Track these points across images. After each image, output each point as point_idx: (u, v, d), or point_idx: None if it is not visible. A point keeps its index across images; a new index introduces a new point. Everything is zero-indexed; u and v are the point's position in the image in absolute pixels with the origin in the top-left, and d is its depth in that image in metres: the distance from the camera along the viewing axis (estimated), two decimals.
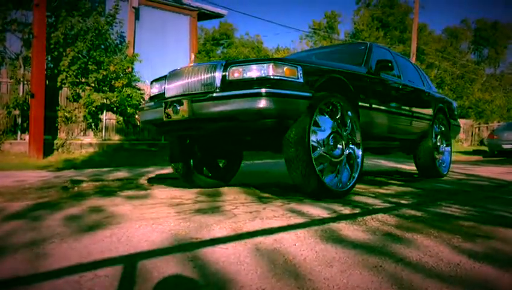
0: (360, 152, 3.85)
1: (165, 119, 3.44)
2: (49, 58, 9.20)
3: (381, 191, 4.13)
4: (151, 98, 3.91)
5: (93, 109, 9.27)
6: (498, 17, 74.85)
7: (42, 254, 1.86)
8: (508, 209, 3.13)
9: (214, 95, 3.14)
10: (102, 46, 9.80)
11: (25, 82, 8.81)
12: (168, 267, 1.69)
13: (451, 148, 6.20)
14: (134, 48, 11.80)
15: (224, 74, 3.20)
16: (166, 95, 3.56)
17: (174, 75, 3.58)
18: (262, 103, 2.94)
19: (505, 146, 13.36)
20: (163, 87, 3.66)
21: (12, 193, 3.76)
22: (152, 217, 2.65)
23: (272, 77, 3.06)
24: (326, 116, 3.59)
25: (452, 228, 2.44)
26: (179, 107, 3.28)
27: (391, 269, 1.71)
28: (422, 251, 1.95)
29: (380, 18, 36.15)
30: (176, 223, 2.46)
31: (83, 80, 9.39)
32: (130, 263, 1.75)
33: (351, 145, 3.79)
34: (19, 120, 8.84)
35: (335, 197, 3.41)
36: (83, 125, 9.63)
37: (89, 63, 9.23)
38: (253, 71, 3.11)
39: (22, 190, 3.93)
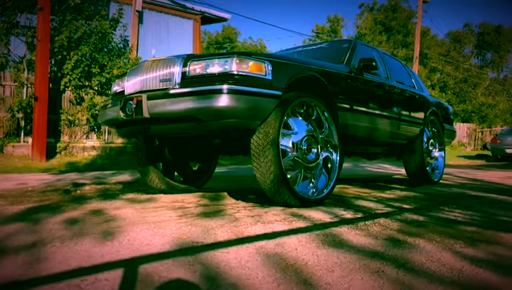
0: (337, 156, 3.59)
1: (120, 118, 3.20)
2: (53, 62, 9.24)
3: (383, 195, 4.12)
4: (113, 97, 3.66)
5: (96, 112, 9.31)
6: (501, 21, 74.78)
7: (43, 257, 1.86)
8: (511, 214, 3.11)
9: (171, 92, 2.86)
10: (106, 50, 9.83)
11: (29, 85, 8.85)
12: (169, 271, 1.69)
13: (444, 154, 5.93)
14: (137, 52, 11.84)
15: (184, 69, 2.95)
16: (126, 93, 3.31)
17: (133, 70, 3.32)
18: (223, 101, 2.67)
19: (508, 150, 13.34)
20: (124, 84, 3.40)
21: (14, 195, 3.76)
22: (154, 221, 2.64)
23: (235, 72, 2.80)
24: (300, 117, 3.36)
25: (454, 233, 2.43)
26: (134, 105, 3.04)
27: (393, 274, 1.70)
28: (424, 256, 1.94)
29: (383, 22, 36.18)
30: (178, 227, 2.46)
31: (86, 83, 9.43)
32: (131, 267, 1.74)
33: (329, 149, 3.56)
34: (22, 123, 8.88)
35: (309, 206, 3.19)
36: (85, 128, 9.66)
37: (92, 66, 9.27)
38: (215, 66, 2.86)
39: (24, 192, 3.94)
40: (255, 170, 3.04)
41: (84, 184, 4.48)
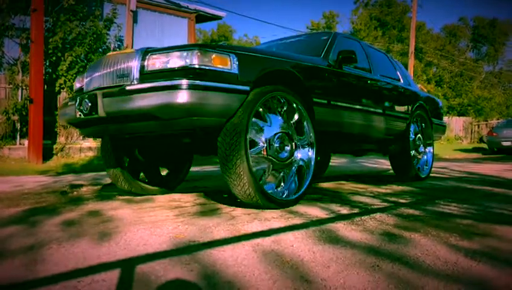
0: (313, 154, 3.37)
1: (78, 118, 3.00)
2: (48, 63, 9.20)
3: (379, 190, 4.14)
4: (73, 94, 3.45)
5: None
6: (496, 14, 74.99)
7: (40, 259, 1.86)
8: (506, 206, 3.13)
9: (127, 88, 2.66)
10: (101, 50, 9.79)
11: (24, 87, 8.82)
12: (166, 271, 1.70)
13: (433, 149, 5.76)
14: None
15: (143, 63, 2.75)
16: (84, 90, 3.10)
17: (93, 66, 3.12)
18: (182, 98, 2.49)
19: (504, 143, 13.39)
20: (84, 81, 3.18)
21: (10, 198, 3.76)
22: (151, 221, 2.65)
23: (196, 66, 2.61)
24: (271, 113, 3.16)
25: (450, 226, 2.44)
26: (89, 104, 2.85)
27: (388, 269, 1.71)
28: (419, 250, 1.96)
29: (378, 17, 36.20)
30: (175, 226, 2.46)
31: None
32: (128, 267, 1.75)
33: (305, 147, 3.37)
34: (18, 125, 8.85)
35: (281, 207, 3.01)
36: None
37: (87, 67, 9.23)
38: (176, 60, 2.67)
39: (20, 195, 3.94)
40: (222, 169, 2.87)
41: (81, 185, 4.47)
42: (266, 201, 2.90)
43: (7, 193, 4.01)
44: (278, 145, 3.09)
